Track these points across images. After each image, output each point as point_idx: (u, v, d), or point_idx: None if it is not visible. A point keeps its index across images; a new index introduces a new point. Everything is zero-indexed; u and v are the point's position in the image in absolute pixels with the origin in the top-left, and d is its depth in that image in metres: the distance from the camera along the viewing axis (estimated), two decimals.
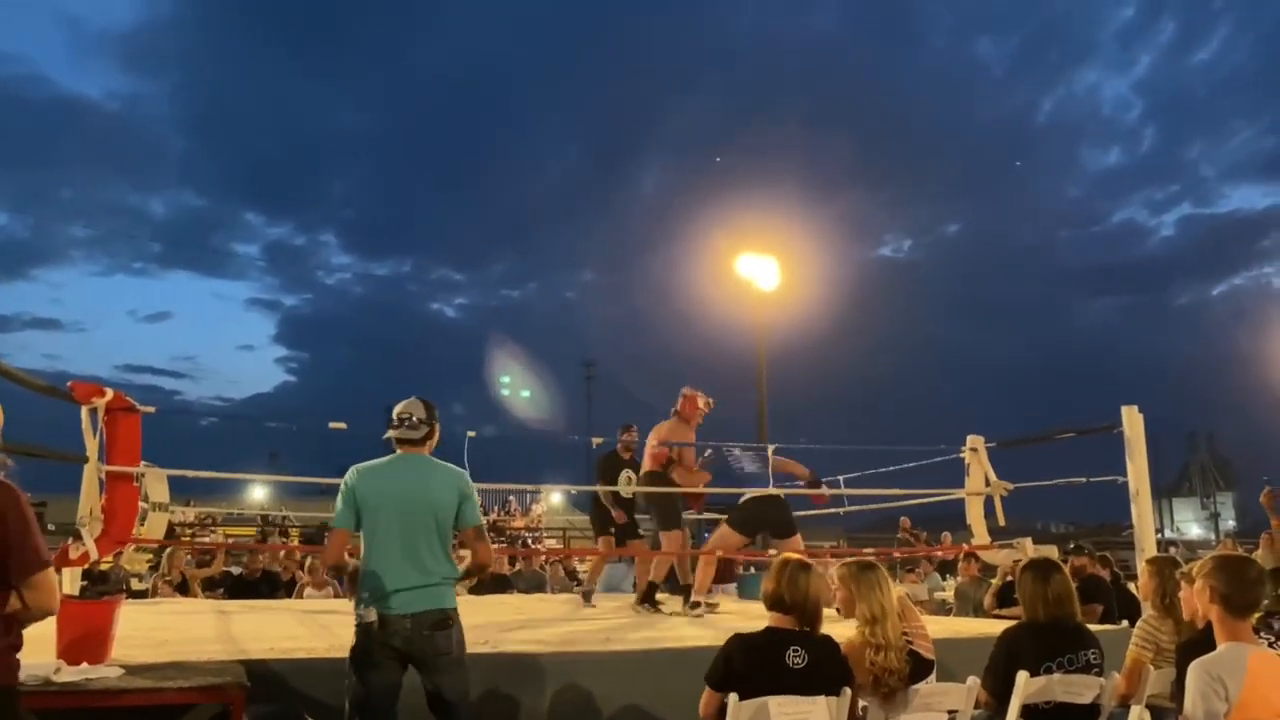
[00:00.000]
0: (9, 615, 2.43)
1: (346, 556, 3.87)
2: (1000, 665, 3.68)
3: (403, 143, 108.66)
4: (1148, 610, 4.70)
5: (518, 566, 12.53)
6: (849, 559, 4.04)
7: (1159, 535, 7.37)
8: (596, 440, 7.30)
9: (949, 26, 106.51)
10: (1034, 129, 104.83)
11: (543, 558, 13.40)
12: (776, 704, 3.18)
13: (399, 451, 3.90)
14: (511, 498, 24.62)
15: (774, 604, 3.49)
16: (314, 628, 5.82)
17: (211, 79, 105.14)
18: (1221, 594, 2.92)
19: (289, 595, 9.96)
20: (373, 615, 3.63)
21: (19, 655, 2.54)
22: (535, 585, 11.86)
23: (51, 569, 2.49)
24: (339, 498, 3.80)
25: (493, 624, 5.73)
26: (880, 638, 3.65)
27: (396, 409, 3.94)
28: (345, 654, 3.78)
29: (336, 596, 9.83)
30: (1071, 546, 8.57)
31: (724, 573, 12.31)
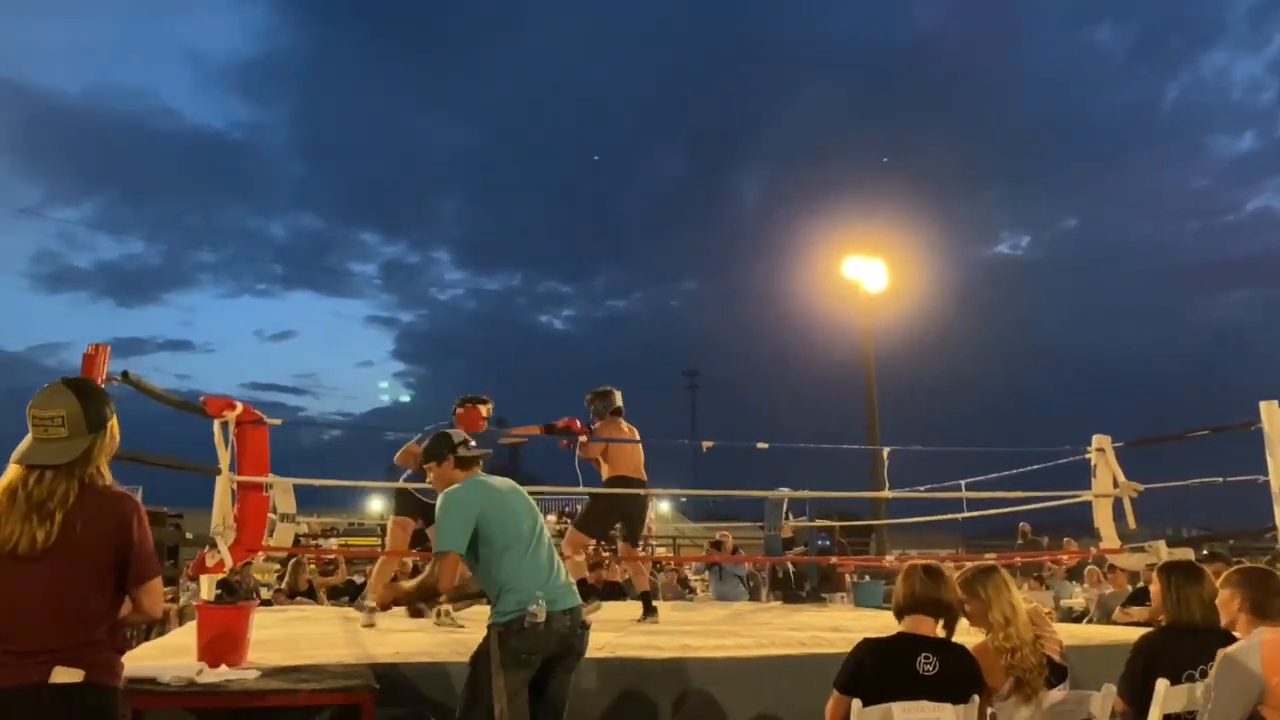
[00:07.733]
0: (121, 619, 2.58)
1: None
2: (1137, 673, 3.51)
3: (509, 159, 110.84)
4: None
5: (627, 575, 12.60)
6: (966, 566, 3.92)
7: None
8: (707, 444, 7.25)
9: (1063, 15, 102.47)
10: (1158, 117, 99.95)
11: (653, 565, 13.45)
12: (901, 709, 3.11)
13: (475, 472, 3.75)
14: None
15: (904, 610, 3.42)
16: (435, 634, 5.95)
17: (326, 105, 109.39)
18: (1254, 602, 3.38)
19: None
20: (541, 615, 3.37)
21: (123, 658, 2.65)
22: None
23: (160, 576, 2.63)
24: (450, 518, 3.47)
25: (608, 629, 5.76)
26: (1015, 639, 3.53)
27: (462, 435, 3.83)
28: (466, 659, 3.74)
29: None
30: (1205, 552, 8.15)
31: (836, 582, 12.09)
